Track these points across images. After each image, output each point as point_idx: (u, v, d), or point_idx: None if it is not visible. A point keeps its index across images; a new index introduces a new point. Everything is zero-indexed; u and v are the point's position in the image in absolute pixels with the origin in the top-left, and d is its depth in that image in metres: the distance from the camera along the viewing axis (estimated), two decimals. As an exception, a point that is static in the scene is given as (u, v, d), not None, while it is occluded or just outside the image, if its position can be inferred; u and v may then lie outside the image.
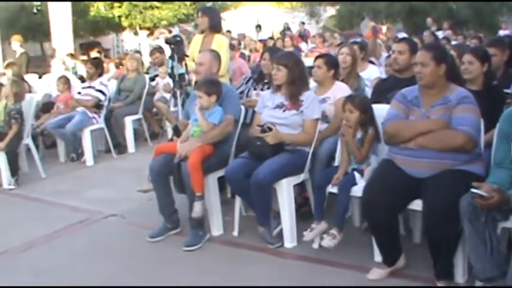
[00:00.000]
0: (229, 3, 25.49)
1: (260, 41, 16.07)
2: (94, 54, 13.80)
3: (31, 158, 7.79)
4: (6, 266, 4.94)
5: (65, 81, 8.89)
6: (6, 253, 5.16)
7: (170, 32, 16.93)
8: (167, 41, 6.89)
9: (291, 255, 4.73)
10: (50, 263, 4.88)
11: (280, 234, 4.91)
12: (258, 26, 24.80)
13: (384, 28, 14.38)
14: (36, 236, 5.50)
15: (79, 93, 8.65)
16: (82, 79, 10.05)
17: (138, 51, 14.55)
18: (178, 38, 6.77)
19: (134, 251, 5.02)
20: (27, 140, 7.66)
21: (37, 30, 21.89)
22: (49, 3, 16.96)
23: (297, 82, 4.99)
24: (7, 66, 9.85)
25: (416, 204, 4.06)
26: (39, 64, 18.83)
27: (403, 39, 6.32)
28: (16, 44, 12.81)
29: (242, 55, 12.17)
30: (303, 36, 19.76)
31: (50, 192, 6.95)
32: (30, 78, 11.22)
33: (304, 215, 5.15)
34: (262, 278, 4.35)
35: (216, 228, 5.16)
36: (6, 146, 7.16)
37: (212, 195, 5.10)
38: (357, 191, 4.36)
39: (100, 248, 5.15)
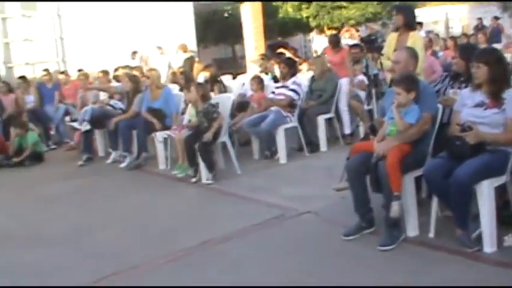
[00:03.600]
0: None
1: (451, 38, 15.53)
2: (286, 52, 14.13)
3: (227, 155, 8.13)
4: (206, 255, 5.22)
5: (259, 81, 9.19)
6: (207, 243, 5.45)
7: (357, 31, 16.91)
8: (362, 40, 6.91)
9: (490, 261, 4.51)
10: (244, 256, 5.08)
11: (479, 238, 4.70)
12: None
13: None
14: (234, 229, 5.75)
15: (273, 92, 8.89)
16: (275, 79, 10.33)
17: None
18: (373, 37, 6.76)
19: (328, 248, 5.06)
20: (224, 138, 8.02)
21: (228, 33, 22.84)
22: (242, 6, 17.65)
23: (498, 80, 4.78)
24: (205, 68, 10.39)
25: None
26: (231, 65, 19.68)
27: None
28: (180, 51, 13.79)
29: (434, 53, 11.85)
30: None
31: (245, 188, 7.21)
32: (225, 78, 11.78)
33: (504, 219, 4.90)
34: (458, 283, 4.21)
35: (412, 229, 5.06)
36: (212, 135, 7.58)
37: (409, 195, 5.01)
38: None
39: (294, 243, 5.26)
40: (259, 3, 17.52)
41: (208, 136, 7.54)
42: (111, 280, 4.87)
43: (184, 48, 14.69)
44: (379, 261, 4.67)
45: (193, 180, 7.69)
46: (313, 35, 24.39)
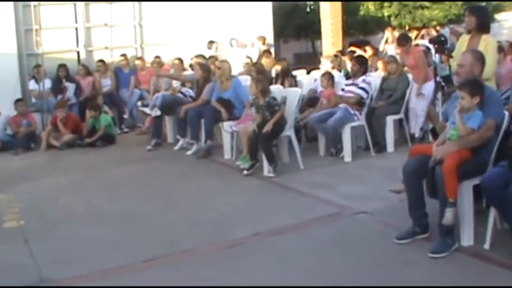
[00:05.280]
0: (504, 3, 24.12)
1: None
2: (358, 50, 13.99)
3: (292, 149, 8.11)
4: (255, 247, 5.23)
5: (329, 77, 9.12)
6: (257, 235, 5.47)
7: (437, 32, 16.54)
8: (431, 41, 6.72)
9: (545, 279, 4.32)
10: (294, 251, 5.05)
11: (536, 255, 4.53)
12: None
13: None
14: (287, 223, 5.75)
15: (342, 89, 8.81)
16: (348, 76, 10.22)
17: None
18: (442, 38, 6.56)
19: (378, 250, 4.97)
20: (289, 132, 8.00)
21: (309, 28, 22.76)
22: (321, 2, 17.55)
23: None
24: (277, 62, 10.42)
25: None
26: (310, 61, 19.61)
27: None
28: (259, 43, 14.27)
29: (515, 59, 11.41)
30: None
31: (306, 184, 7.18)
32: (299, 73, 11.75)
33: None
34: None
35: (466, 239, 4.89)
36: (272, 126, 7.57)
37: (465, 203, 4.85)
38: None
39: (345, 242, 5.19)
40: (338, 0, 17.45)
41: (267, 128, 7.54)
42: (162, 261, 4.98)
43: (264, 41, 14.73)
44: (428, 268, 4.54)
45: (245, 173, 7.72)
46: (396, 34, 24.06)
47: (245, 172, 7.73)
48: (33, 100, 12.28)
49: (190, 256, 5.08)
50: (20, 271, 4.96)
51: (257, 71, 10.04)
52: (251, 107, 8.72)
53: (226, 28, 14.21)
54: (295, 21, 23.04)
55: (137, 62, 13.14)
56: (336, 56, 12.17)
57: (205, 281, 4.52)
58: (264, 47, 14.52)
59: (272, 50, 14.89)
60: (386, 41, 15.02)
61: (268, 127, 7.56)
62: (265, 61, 11.47)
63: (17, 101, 11.43)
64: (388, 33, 15.18)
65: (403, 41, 9.17)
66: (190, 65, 11.69)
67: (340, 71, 11.22)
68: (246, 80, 10.16)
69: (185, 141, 9.62)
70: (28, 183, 8.20)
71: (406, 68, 9.33)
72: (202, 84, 9.54)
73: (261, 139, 7.56)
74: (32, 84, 12.24)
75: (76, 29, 13.33)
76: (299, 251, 5.03)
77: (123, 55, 13.21)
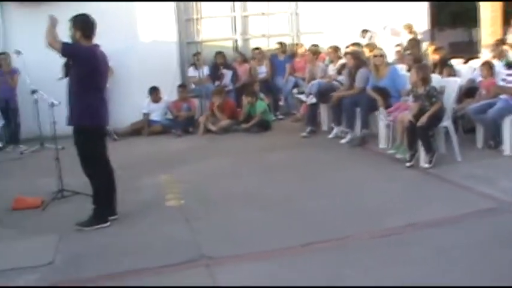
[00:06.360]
0: None
1: None
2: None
3: (449, 140, 7.96)
4: (410, 238, 5.21)
5: (488, 67, 8.86)
6: (412, 226, 5.44)
7: None
8: None
9: None
10: (451, 244, 4.95)
11: None
12: None
13: None
14: (443, 215, 5.68)
15: (503, 80, 8.50)
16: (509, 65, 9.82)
17: None
18: None
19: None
20: (447, 123, 7.85)
21: (465, 16, 21.96)
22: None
23: None
24: (435, 50, 10.21)
25: None
26: (465, 50, 18.97)
27: None
28: (404, 31, 13.98)
29: None
30: None
31: (463, 176, 7.02)
32: (456, 62, 11.44)
33: None
34: None
35: None
36: (428, 119, 7.47)
37: None
38: None
39: (505, 239, 5.00)
40: (498, -14, 16.66)
41: (422, 120, 7.46)
42: (318, 247, 5.09)
43: (410, 29, 14.44)
44: None
45: (408, 165, 7.63)
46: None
47: (407, 164, 7.63)
48: (192, 86, 12.83)
49: (345, 243, 5.17)
50: (181, 248, 5.28)
51: (414, 60, 9.89)
52: (408, 95, 8.63)
53: (381, 16, 14.03)
54: (451, 9, 22.28)
55: (293, 49, 13.35)
56: (496, 45, 11.70)
57: (360, 269, 4.56)
58: (411, 36, 14.20)
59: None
60: None
61: (423, 120, 7.47)
62: (431, 50, 11.19)
63: (179, 86, 12.04)
64: None
65: None
66: (345, 54, 11.69)
67: (500, 60, 10.80)
68: (401, 69, 10.07)
69: (340, 129, 9.70)
70: (188, 165, 8.67)
71: None
72: (354, 72, 9.57)
73: (418, 130, 7.48)
74: (191, 71, 12.83)
75: (234, 17, 13.73)
76: (456, 245, 4.94)
77: (279, 43, 13.44)
